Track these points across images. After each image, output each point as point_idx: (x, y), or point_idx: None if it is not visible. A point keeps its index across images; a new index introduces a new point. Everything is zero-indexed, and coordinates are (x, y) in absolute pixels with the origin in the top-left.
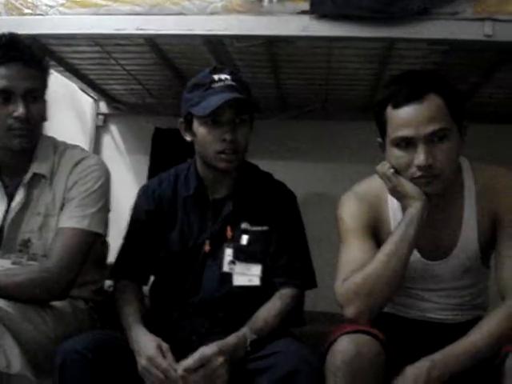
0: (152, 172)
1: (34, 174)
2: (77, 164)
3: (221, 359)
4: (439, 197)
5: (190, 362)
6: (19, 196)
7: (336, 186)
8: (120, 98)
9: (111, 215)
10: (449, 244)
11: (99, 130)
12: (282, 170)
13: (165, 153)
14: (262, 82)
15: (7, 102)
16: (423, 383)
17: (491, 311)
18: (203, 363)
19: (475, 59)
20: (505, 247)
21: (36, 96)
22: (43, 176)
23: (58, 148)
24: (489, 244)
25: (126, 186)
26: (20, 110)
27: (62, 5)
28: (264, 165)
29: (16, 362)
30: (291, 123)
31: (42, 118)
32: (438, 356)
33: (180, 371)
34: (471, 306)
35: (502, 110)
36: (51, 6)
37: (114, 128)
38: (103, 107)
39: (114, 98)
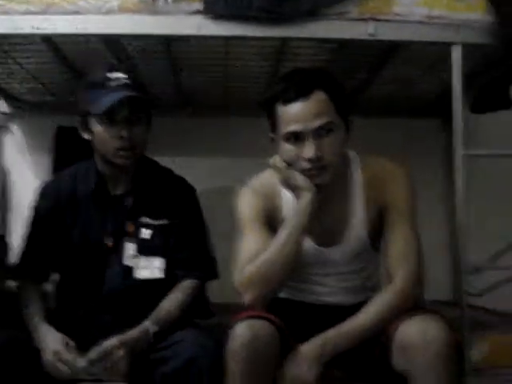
0: (56, 171)
1: None
2: None
3: (121, 352)
4: (328, 187)
5: (91, 355)
6: None
7: (236, 180)
8: (21, 96)
9: (14, 215)
10: (339, 231)
11: (0, 130)
12: (183, 166)
13: (68, 151)
14: (162, 80)
15: None
16: (314, 358)
17: (379, 293)
18: (104, 356)
19: (362, 57)
20: (390, 233)
21: None
22: None
23: None
24: (377, 230)
25: (30, 185)
26: None
27: None
28: (166, 161)
29: None
30: (192, 120)
31: None
32: (328, 334)
33: (82, 364)
34: (363, 289)
35: (389, 104)
36: None
37: (16, 127)
38: (3, 106)
39: (15, 97)
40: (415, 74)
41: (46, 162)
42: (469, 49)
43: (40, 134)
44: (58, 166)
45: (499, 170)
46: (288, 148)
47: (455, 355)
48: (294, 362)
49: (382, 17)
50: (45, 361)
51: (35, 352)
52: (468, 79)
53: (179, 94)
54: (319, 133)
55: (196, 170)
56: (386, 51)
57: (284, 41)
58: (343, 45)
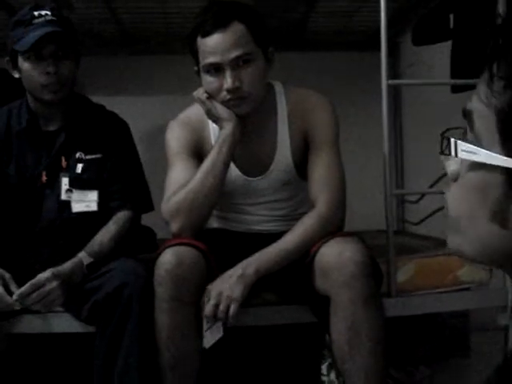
0: None
1: None
2: None
3: (54, 283)
4: (253, 117)
5: (24, 288)
6: None
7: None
8: None
9: None
10: (266, 161)
11: None
12: (122, 104)
13: (5, 92)
14: (99, 18)
15: None
16: (238, 276)
17: (302, 218)
18: (37, 288)
19: None
20: (313, 159)
21: None
22: None
23: None
24: (302, 159)
25: None
26: None
27: None
28: (105, 99)
29: None
30: (132, 58)
31: None
32: (253, 257)
33: (15, 296)
34: (293, 216)
35: (330, 39)
36: None
37: None
38: None
39: None
40: (352, 7)
41: None
42: None
43: None
44: None
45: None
46: (209, 80)
47: (371, 276)
48: (219, 280)
49: None
50: None
51: None
52: (408, 11)
53: (118, 32)
54: (237, 63)
55: (135, 108)
56: None
57: None
58: None
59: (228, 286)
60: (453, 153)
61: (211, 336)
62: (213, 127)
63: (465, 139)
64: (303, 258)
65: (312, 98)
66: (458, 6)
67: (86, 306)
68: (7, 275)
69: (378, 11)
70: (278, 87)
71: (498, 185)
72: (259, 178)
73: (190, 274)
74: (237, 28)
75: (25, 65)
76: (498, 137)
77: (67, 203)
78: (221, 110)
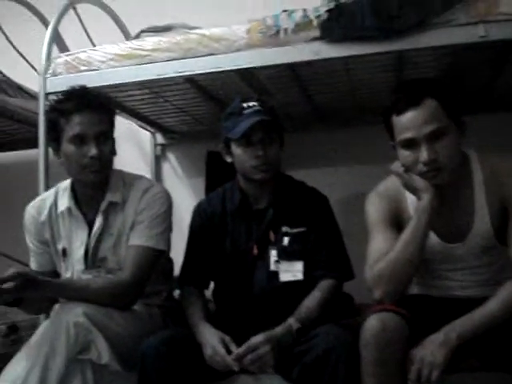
0: (209, 191)
1: (109, 203)
2: (145, 192)
3: (267, 347)
4: (448, 186)
5: (240, 349)
6: (99, 222)
7: (368, 187)
8: (173, 128)
9: (173, 234)
10: (465, 227)
11: (158, 159)
12: (318, 177)
13: (219, 172)
14: (293, 101)
15: (82, 145)
16: (441, 342)
17: (505, 283)
18: (252, 350)
19: (481, 55)
20: None
21: (106, 137)
22: (116, 203)
23: (126, 179)
24: (502, 224)
25: (186, 206)
26: (93, 151)
27: (112, 59)
28: (303, 173)
29: (105, 354)
30: (324, 134)
31: (112, 153)
32: (455, 322)
33: (233, 356)
34: (494, 282)
35: None
36: (102, 61)
37: (171, 156)
38: (160, 138)
39: (169, 130)
40: None
41: (200, 184)
42: None
43: (193, 160)
44: (210, 187)
45: None
46: (405, 154)
47: None
48: (422, 345)
49: (491, 18)
50: (205, 354)
51: (198, 347)
52: None
53: (310, 111)
54: (432, 137)
55: (331, 179)
56: (503, 48)
57: (398, 53)
58: (457, 50)
59: (430, 351)
60: None
61: None
62: (409, 198)
63: None
64: (508, 323)
65: (506, 164)
66: None
67: (296, 368)
68: (227, 338)
69: None
70: (473, 156)
71: None
72: (458, 244)
73: (394, 338)
74: (429, 104)
75: (237, 150)
76: None
77: (276, 273)
78: (418, 182)
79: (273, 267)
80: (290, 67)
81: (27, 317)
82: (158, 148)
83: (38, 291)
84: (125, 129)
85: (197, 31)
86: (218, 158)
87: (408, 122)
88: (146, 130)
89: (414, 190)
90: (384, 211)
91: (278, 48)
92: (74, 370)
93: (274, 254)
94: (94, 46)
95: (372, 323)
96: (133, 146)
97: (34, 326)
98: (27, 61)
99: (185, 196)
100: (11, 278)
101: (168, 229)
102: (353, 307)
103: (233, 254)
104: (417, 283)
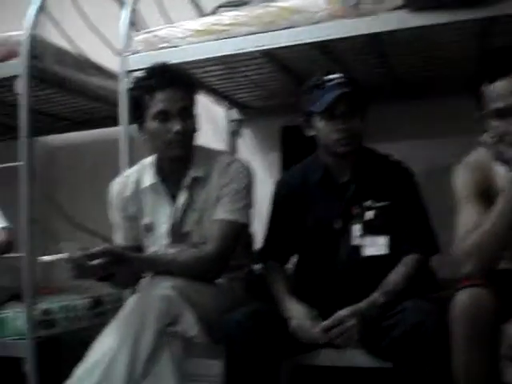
0: (285, 166)
1: (193, 178)
2: (227, 167)
3: (352, 321)
4: None
5: (327, 322)
6: (183, 197)
7: (450, 160)
8: (248, 104)
9: (253, 209)
10: None
11: (233, 135)
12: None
13: (294, 147)
14: (374, 72)
15: (165, 121)
16: None
17: None
18: (337, 324)
19: None
20: None
21: (189, 112)
22: (200, 178)
23: (208, 154)
24: None
25: (262, 181)
26: (177, 126)
27: (191, 35)
28: (387, 146)
29: (193, 327)
30: (404, 105)
31: (194, 130)
32: None
33: (319, 329)
34: None
35: None
36: (181, 38)
37: (246, 131)
38: (234, 114)
39: (243, 105)
40: None
41: (275, 159)
42: None
43: (267, 135)
44: (286, 161)
45: None
46: (496, 124)
47: None
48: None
49: None
50: (291, 328)
51: (282, 321)
52: None
53: (391, 83)
54: None
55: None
56: None
57: (485, 20)
58: None
59: None
60: None
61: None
62: (498, 169)
63: None
64: None
65: None
66: None
67: (384, 343)
68: (314, 312)
69: None
70: None
71: None
72: None
73: (484, 314)
74: None
75: (320, 123)
76: None
77: (359, 248)
78: (509, 153)
79: (356, 241)
80: (370, 38)
81: (111, 291)
82: (233, 124)
83: (126, 267)
84: (199, 105)
85: (276, 3)
86: (293, 132)
87: (499, 91)
88: (221, 105)
89: (506, 162)
90: (473, 183)
91: (359, 18)
92: (163, 343)
93: (357, 228)
94: (172, 23)
95: (462, 298)
96: (207, 122)
97: (118, 300)
98: (105, 40)
99: (259, 171)
100: (101, 254)
101: (250, 203)
102: (435, 282)
103: (315, 228)
104: (505, 257)
